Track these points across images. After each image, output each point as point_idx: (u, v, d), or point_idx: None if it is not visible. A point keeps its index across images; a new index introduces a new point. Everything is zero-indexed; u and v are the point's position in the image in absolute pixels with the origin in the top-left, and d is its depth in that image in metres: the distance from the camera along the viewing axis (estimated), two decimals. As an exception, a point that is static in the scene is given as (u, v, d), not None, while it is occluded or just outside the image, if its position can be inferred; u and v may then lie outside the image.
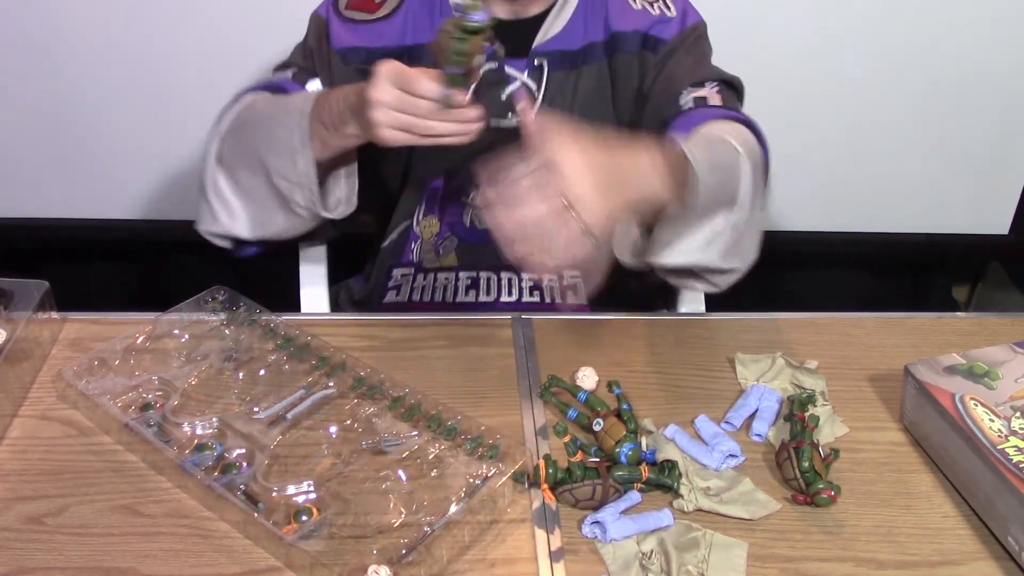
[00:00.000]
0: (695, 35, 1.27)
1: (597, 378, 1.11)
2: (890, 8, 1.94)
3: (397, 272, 1.39)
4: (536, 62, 1.27)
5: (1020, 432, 0.95)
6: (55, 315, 1.17)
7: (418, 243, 1.36)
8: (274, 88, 1.26)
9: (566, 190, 0.84)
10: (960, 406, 0.99)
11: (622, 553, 0.88)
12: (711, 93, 1.21)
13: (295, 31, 1.86)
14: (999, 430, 0.95)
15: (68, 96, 1.93)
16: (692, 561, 0.87)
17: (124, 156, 2.01)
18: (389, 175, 1.35)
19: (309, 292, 1.44)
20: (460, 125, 1.01)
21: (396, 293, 1.39)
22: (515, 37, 1.27)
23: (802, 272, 2.27)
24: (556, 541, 0.90)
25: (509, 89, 1.28)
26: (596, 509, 0.92)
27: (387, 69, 0.98)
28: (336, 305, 1.48)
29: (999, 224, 2.28)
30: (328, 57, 1.27)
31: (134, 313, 1.19)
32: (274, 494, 0.92)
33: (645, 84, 1.26)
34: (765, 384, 1.11)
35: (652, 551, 0.88)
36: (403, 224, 1.37)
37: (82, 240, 2.13)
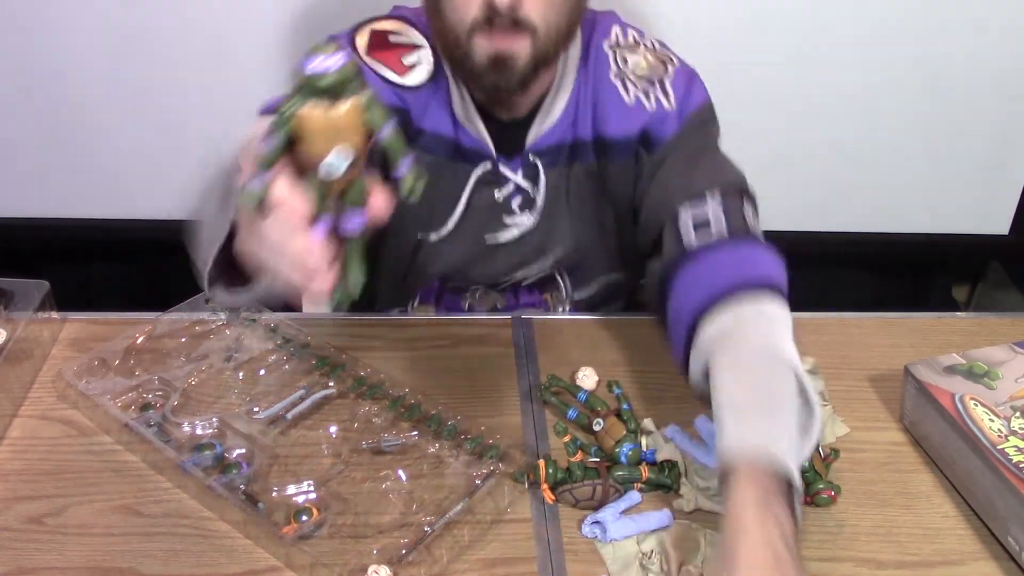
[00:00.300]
0: (697, 123, 1.12)
1: (597, 378, 1.11)
2: (890, 8, 1.94)
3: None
4: (531, 159, 1.16)
5: (1020, 432, 0.95)
6: (55, 315, 1.17)
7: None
8: None
9: None
10: (960, 406, 0.99)
11: (622, 553, 0.88)
12: (714, 210, 1.03)
13: (295, 31, 1.86)
14: (999, 430, 0.95)
15: (68, 96, 1.93)
16: (692, 561, 0.87)
17: (124, 156, 2.01)
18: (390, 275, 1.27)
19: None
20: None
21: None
22: (508, 136, 1.15)
23: (802, 272, 2.27)
24: (556, 541, 0.90)
25: (503, 192, 1.18)
26: (596, 509, 0.92)
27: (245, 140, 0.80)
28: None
29: (999, 224, 2.28)
30: None
31: (134, 313, 1.19)
32: (274, 494, 0.92)
33: (638, 189, 1.13)
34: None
35: (652, 551, 0.88)
36: (395, 310, 1.32)
37: (82, 240, 2.13)
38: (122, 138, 1.98)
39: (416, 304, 1.30)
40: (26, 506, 0.92)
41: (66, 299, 1.19)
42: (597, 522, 0.90)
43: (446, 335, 1.20)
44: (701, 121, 1.12)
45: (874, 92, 2.05)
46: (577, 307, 1.29)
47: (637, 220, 1.13)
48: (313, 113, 0.65)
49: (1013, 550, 0.90)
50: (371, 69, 1.10)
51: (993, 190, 2.23)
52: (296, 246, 0.66)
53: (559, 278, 1.26)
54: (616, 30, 1.16)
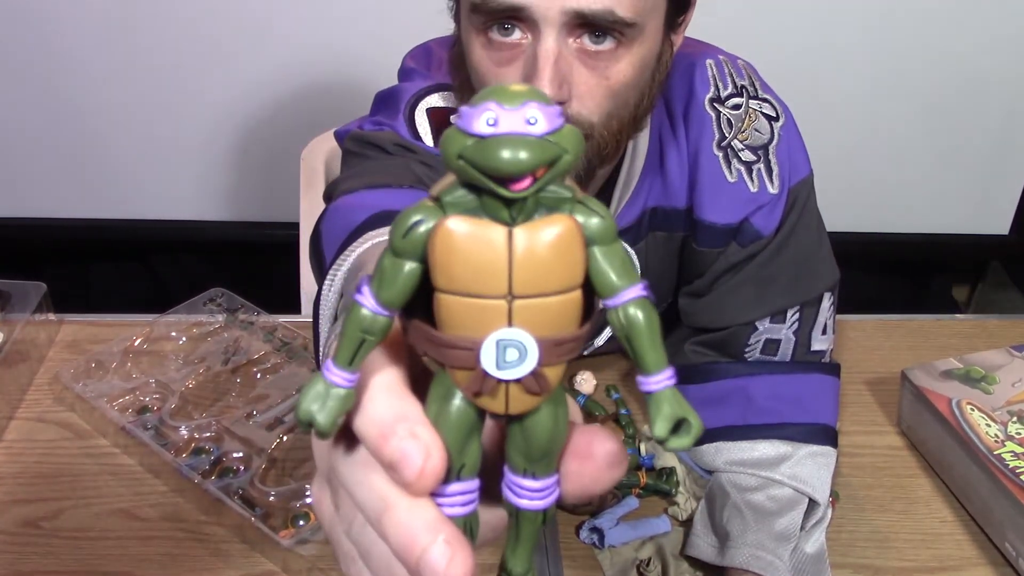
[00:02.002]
0: (797, 206, 0.97)
1: (595, 382, 1.10)
2: (891, 9, 1.94)
3: None
4: None
5: (1017, 437, 0.95)
6: (52, 317, 1.17)
7: None
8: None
9: None
10: (957, 411, 0.99)
11: (619, 560, 0.88)
12: (787, 333, 0.98)
13: (295, 31, 1.86)
14: (996, 435, 0.95)
15: (68, 96, 1.93)
16: (690, 569, 0.87)
17: (124, 156, 2.01)
18: None
19: (309, 294, 1.44)
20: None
21: None
22: None
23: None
24: (553, 547, 0.90)
25: None
26: (594, 515, 0.92)
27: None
28: None
29: (999, 224, 2.28)
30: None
31: (131, 315, 1.19)
32: (271, 498, 0.91)
33: (713, 270, 0.99)
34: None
35: (650, 558, 0.88)
36: None
37: (82, 240, 2.13)
38: (122, 138, 1.98)
39: None
40: (22, 509, 0.92)
41: (65, 299, 1.19)
42: (595, 528, 0.90)
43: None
44: (801, 202, 0.98)
45: (874, 92, 2.05)
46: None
47: (696, 295, 1.02)
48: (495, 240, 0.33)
49: (1010, 555, 0.90)
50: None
51: (993, 190, 2.23)
52: (406, 530, 0.34)
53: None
54: (713, 74, 0.98)
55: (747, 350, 0.98)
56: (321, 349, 0.66)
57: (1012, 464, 0.91)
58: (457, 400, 0.35)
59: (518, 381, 0.34)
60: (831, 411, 0.98)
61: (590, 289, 0.34)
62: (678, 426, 0.34)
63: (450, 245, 0.32)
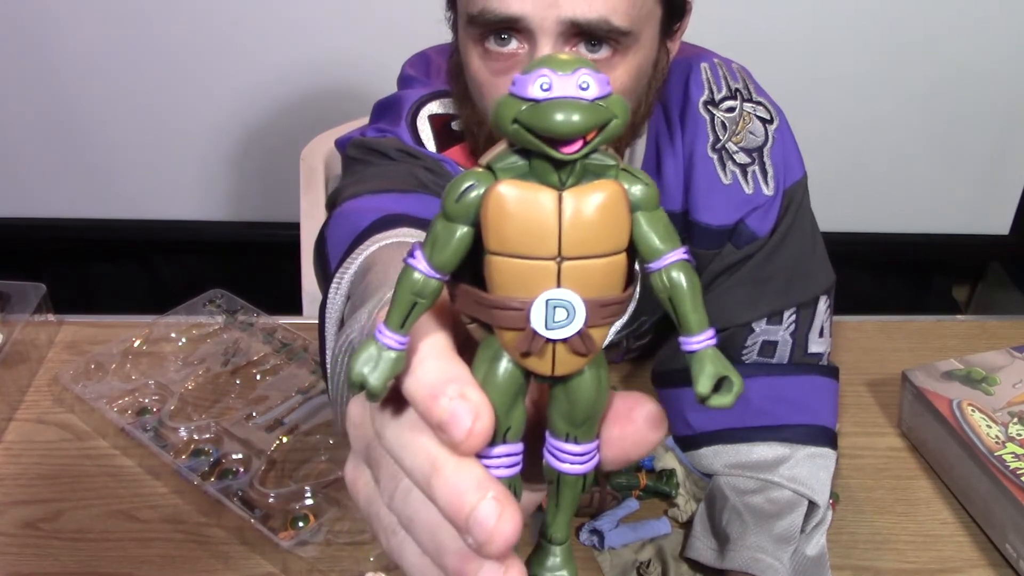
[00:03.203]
0: (791, 207, 0.98)
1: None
2: (890, 7, 1.94)
3: None
4: None
5: (1017, 438, 0.94)
6: (52, 317, 1.17)
7: None
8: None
9: None
10: (958, 412, 0.98)
11: (619, 561, 0.88)
12: (785, 331, 0.98)
13: (296, 31, 1.86)
14: (996, 436, 0.95)
15: (68, 96, 1.93)
16: (690, 571, 0.86)
17: (124, 156, 2.01)
18: None
19: (310, 294, 1.44)
20: None
21: None
22: None
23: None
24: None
25: None
26: (594, 517, 0.92)
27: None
28: None
29: (999, 224, 2.28)
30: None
31: (131, 316, 1.19)
32: (271, 500, 0.91)
33: (710, 270, 0.99)
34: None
35: (650, 560, 0.88)
36: None
37: (82, 240, 2.13)
38: (122, 138, 1.98)
39: None
40: (21, 511, 0.92)
41: (65, 300, 1.18)
42: (595, 530, 0.90)
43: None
44: (795, 203, 0.99)
45: (874, 93, 2.05)
46: (630, 354, 1.18)
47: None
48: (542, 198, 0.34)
49: (1011, 557, 0.90)
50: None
51: (993, 190, 2.23)
52: (455, 488, 0.34)
53: (625, 343, 1.14)
54: (707, 77, 0.98)
55: (744, 352, 0.98)
56: (329, 353, 0.66)
57: (1013, 465, 0.91)
58: (504, 363, 0.36)
59: (565, 341, 0.35)
60: (830, 413, 0.97)
61: (632, 254, 0.35)
62: (719, 385, 0.35)
63: (502, 208, 0.33)
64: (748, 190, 0.96)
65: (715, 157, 0.97)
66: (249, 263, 2.01)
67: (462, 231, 0.34)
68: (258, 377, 1.08)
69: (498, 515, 0.33)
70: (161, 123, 1.97)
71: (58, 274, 2.03)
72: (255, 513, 0.89)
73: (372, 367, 0.34)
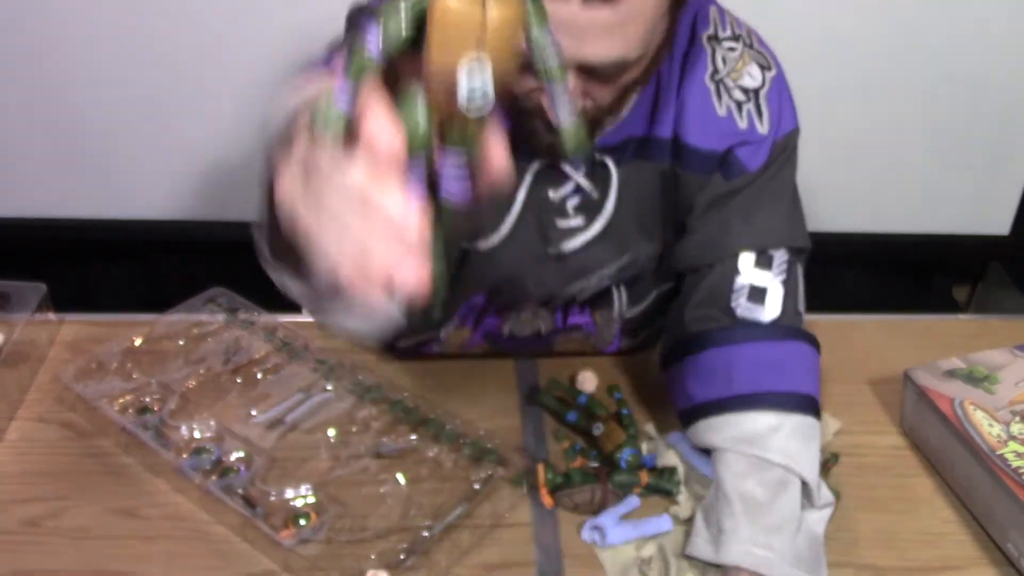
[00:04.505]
0: (782, 157, 1.00)
1: (597, 382, 1.10)
2: (890, 7, 1.94)
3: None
4: (597, 158, 0.99)
5: (1019, 437, 0.94)
6: (52, 317, 1.17)
7: (441, 344, 1.16)
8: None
9: None
10: (959, 411, 0.98)
11: (621, 558, 0.88)
12: (773, 283, 0.97)
13: (297, 33, 1.86)
14: (998, 435, 0.95)
15: (68, 96, 1.93)
16: (691, 568, 0.86)
17: (124, 156, 2.01)
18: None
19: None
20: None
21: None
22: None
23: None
24: (555, 546, 0.90)
25: (561, 192, 1.00)
26: (595, 514, 0.92)
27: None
28: None
29: (999, 224, 2.28)
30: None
31: (132, 315, 1.19)
32: (272, 498, 0.91)
33: (703, 198, 0.99)
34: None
35: (651, 557, 0.88)
36: (425, 334, 1.15)
37: (82, 240, 2.13)
38: (122, 138, 1.98)
39: (451, 330, 1.13)
40: (23, 509, 0.92)
41: (65, 299, 1.18)
42: (596, 527, 0.90)
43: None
44: (786, 150, 1.01)
45: (874, 92, 2.05)
46: (627, 326, 1.15)
47: (687, 225, 1.02)
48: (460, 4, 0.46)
49: (1012, 556, 0.90)
50: None
51: (993, 190, 2.23)
52: (384, 210, 0.47)
53: (615, 292, 1.11)
54: (714, 16, 1.01)
55: (733, 297, 0.97)
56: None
57: (1015, 464, 0.91)
58: (419, 102, 0.49)
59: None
60: (814, 382, 0.96)
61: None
62: None
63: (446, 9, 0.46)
64: (742, 125, 0.98)
65: (712, 87, 0.98)
66: (249, 263, 2.00)
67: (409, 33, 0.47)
68: (259, 376, 1.08)
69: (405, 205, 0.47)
70: (161, 123, 1.97)
71: (58, 274, 2.02)
72: (256, 511, 0.89)
73: (326, 112, 0.48)
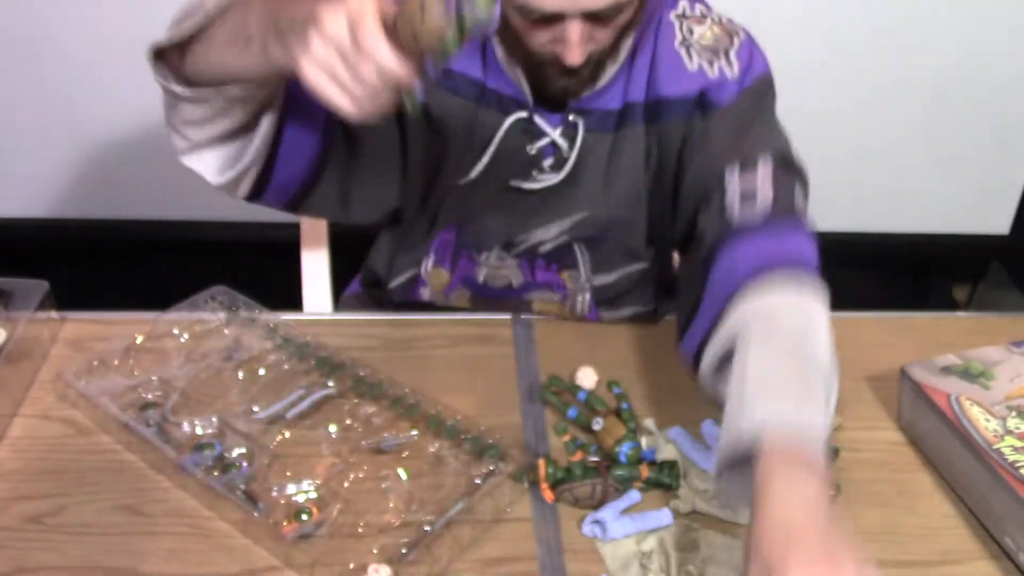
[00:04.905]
0: (756, 93, 1.09)
1: (597, 377, 1.11)
2: (890, 9, 1.95)
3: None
4: (571, 119, 1.10)
5: (1016, 431, 0.95)
6: (55, 315, 1.17)
7: (427, 288, 1.26)
8: None
9: None
10: (956, 406, 0.99)
11: (622, 552, 0.88)
12: (763, 180, 1.02)
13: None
14: (995, 430, 0.95)
15: (68, 96, 1.93)
16: (692, 561, 0.87)
17: (124, 156, 2.01)
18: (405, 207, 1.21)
19: (311, 292, 1.44)
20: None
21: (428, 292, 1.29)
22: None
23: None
24: (556, 540, 0.90)
25: (538, 144, 1.11)
26: (596, 508, 0.93)
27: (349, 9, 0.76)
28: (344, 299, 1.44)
29: (999, 224, 2.28)
30: None
31: (134, 313, 1.19)
32: (274, 493, 0.92)
33: (685, 152, 1.09)
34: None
35: (652, 551, 0.88)
36: (410, 271, 1.25)
37: (83, 240, 2.14)
38: (122, 138, 1.99)
39: (431, 267, 1.23)
40: (26, 505, 0.93)
41: (66, 299, 1.19)
42: (597, 521, 0.91)
43: (446, 335, 1.20)
44: (760, 91, 1.10)
45: (874, 92, 2.05)
46: (599, 295, 1.22)
47: (679, 189, 1.09)
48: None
49: (1010, 549, 0.91)
50: None
51: (993, 190, 2.24)
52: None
53: (578, 252, 1.19)
54: (683, 2, 1.12)
55: (726, 210, 1.01)
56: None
57: (1011, 458, 0.92)
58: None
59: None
60: (811, 268, 0.96)
61: None
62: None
63: None
64: (712, 75, 1.08)
65: (682, 51, 1.09)
66: (249, 263, 2.01)
67: None
68: (260, 372, 1.09)
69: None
70: (161, 123, 1.97)
71: (58, 274, 2.03)
72: (258, 507, 0.90)
73: None
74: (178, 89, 0.94)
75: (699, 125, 1.07)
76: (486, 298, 1.25)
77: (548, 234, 1.18)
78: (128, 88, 1.92)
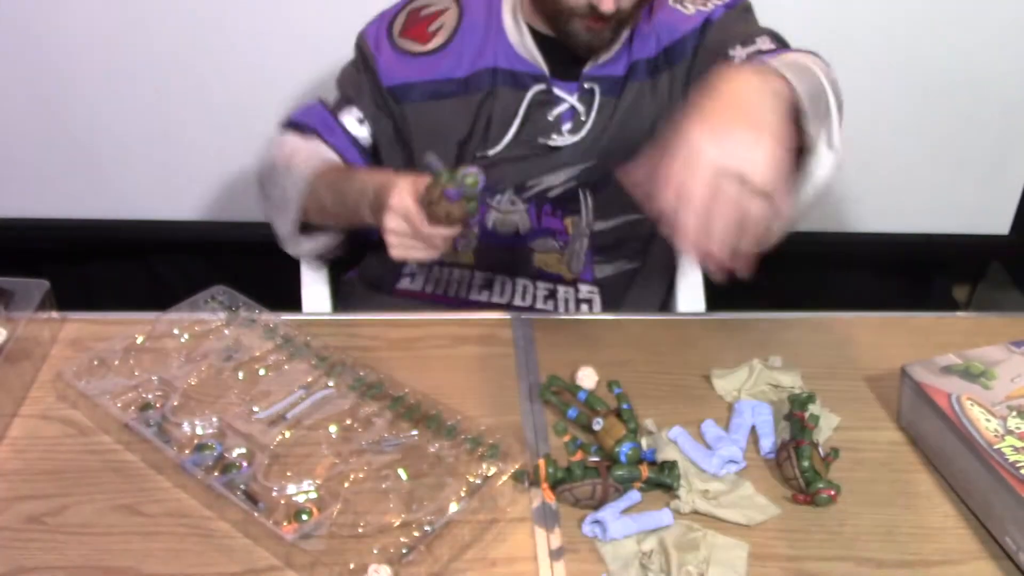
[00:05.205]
0: (742, 7, 1.27)
1: (597, 378, 1.11)
2: (890, 8, 1.95)
3: None
4: (587, 86, 1.27)
5: (1016, 431, 0.95)
6: (55, 315, 1.17)
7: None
8: (309, 128, 1.33)
9: (725, 166, 0.80)
10: (956, 406, 0.99)
11: (622, 552, 0.88)
12: (763, 43, 1.18)
13: (297, 31, 1.87)
14: (995, 430, 0.95)
15: (68, 96, 1.93)
16: (692, 561, 0.87)
17: (124, 156, 2.01)
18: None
19: (311, 291, 1.44)
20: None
21: (411, 280, 1.40)
22: (565, 58, 1.26)
23: (802, 272, 2.28)
24: (556, 540, 0.90)
25: (557, 110, 1.28)
26: (596, 508, 0.92)
27: (398, 205, 1.02)
28: (343, 293, 1.48)
29: (999, 224, 2.28)
30: (379, 92, 1.31)
31: (134, 313, 1.19)
32: (274, 494, 0.92)
33: (697, 61, 1.25)
34: (749, 396, 1.10)
35: (652, 551, 0.88)
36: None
37: (82, 240, 2.13)
38: (122, 138, 1.99)
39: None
40: (26, 505, 0.93)
41: (66, 299, 1.19)
42: (597, 521, 0.91)
43: (446, 335, 1.20)
44: (745, 8, 1.28)
45: (874, 92, 2.05)
46: (596, 243, 1.34)
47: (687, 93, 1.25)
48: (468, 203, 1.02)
49: (1011, 549, 0.90)
50: (401, 50, 1.29)
51: (993, 190, 2.23)
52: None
53: (583, 197, 1.31)
54: None
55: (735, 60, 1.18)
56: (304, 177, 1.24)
57: (1012, 458, 0.92)
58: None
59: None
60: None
61: None
62: None
63: None
64: (707, 8, 1.26)
65: (677, 5, 1.27)
66: (249, 263, 2.01)
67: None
68: (261, 372, 1.09)
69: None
70: (161, 123, 1.97)
71: (58, 274, 2.03)
72: (258, 507, 0.90)
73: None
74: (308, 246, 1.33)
75: (702, 41, 1.24)
76: (491, 247, 1.36)
77: (557, 179, 1.31)
78: (128, 88, 1.92)
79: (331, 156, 1.30)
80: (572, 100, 1.27)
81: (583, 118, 1.28)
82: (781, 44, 1.20)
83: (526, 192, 1.32)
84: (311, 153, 1.28)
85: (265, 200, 1.32)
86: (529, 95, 1.27)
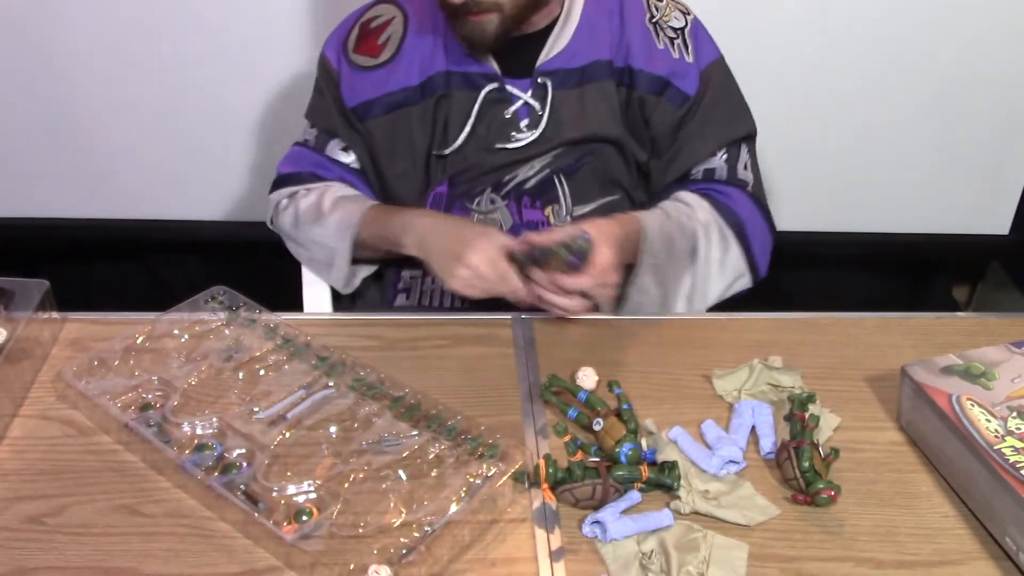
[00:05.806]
0: (712, 80, 1.33)
1: (597, 378, 1.11)
2: (891, 9, 1.95)
3: (406, 274, 1.40)
4: (539, 81, 1.31)
5: (1017, 432, 0.95)
6: (55, 315, 1.17)
7: None
8: (305, 176, 1.41)
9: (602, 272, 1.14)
10: (957, 407, 0.99)
11: (622, 553, 0.88)
12: (719, 164, 1.35)
13: (294, 31, 1.87)
14: (996, 430, 0.95)
15: (69, 96, 1.93)
16: (692, 562, 0.87)
17: (124, 156, 2.01)
18: (400, 185, 1.39)
19: (311, 292, 1.44)
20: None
21: (406, 296, 1.40)
22: (516, 55, 1.29)
23: (801, 272, 2.28)
24: (556, 541, 0.90)
25: (512, 108, 1.32)
26: (596, 509, 0.92)
27: (487, 268, 1.15)
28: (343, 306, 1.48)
29: (999, 224, 2.28)
30: (343, 115, 1.36)
31: (134, 313, 1.19)
32: (274, 494, 0.92)
33: (659, 131, 1.33)
34: (749, 396, 1.10)
35: (652, 551, 0.88)
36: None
37: (82, 240, 2.14)
38: (122, 138, 1.99)
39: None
40: (26, 506, 0.93)
41: (66, 299, 1.19)
42: (597, 522, 0.91)
43: (446, 335, 1.20)
44: (715, 77, 1.34)
45: (874, 93, 2.05)
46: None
47: (656, 148, 1.35)
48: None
49: (1011, 550, 0.90)
50: (356, 66, 1.34)
51: (993, 190, 2.23)
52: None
53: (558, 184, 1.35)
54: None
55: (692, 176, 1.36)
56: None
57: (1012, 459, 0.92)
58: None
59: None
60: (742, 211, 1.34)
61: None
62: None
63: None
64: (675, 55, 1.32)
65: (651, 28, 1.33)
66: (249, 263, 2.01)
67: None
68: (261, 373, 1.09)
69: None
70: (161, 123, 1.97)
71: (58, 274, 2.03)
72: (258, 507, 0.90)
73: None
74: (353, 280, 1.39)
75: (672, 114, 1.32)
76: None
77: (531, 171, 1.35)
78: (128, 89, 1.92)
79: (348, 191, 1.37)
80: (526, 96, 1.31)
81: (539, 112, 1.31)
82: (732, 159, 1.37)
83: (503, 188, 1.35)
84: (333, 201, 1.34)
85: (304, 258, 1.41)
86: (482, 94, 1.31)
